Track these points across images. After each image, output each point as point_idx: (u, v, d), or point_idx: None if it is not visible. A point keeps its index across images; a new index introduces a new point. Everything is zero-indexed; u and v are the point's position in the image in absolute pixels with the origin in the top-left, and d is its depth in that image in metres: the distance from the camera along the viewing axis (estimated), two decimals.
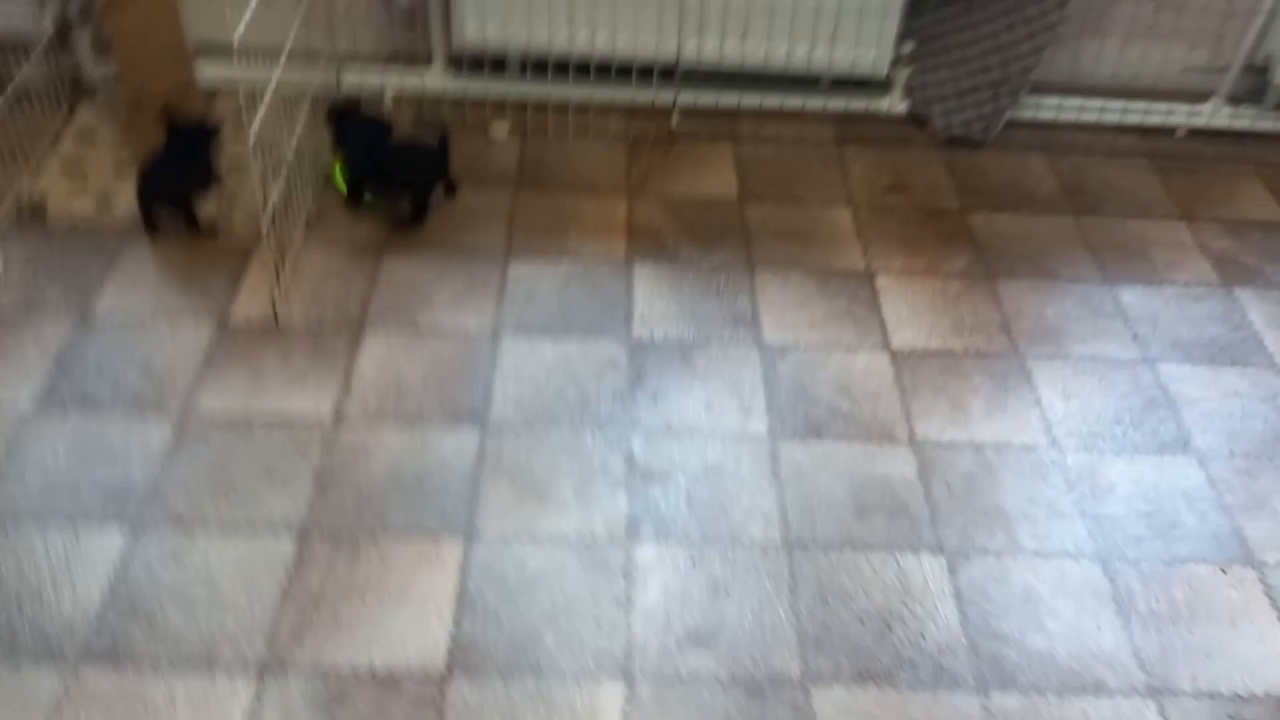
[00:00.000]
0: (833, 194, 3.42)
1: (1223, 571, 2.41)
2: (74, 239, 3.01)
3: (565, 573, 2.30)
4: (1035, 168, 3.60)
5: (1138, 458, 2.66)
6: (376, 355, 2.76)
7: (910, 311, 3.02)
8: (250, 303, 2.86)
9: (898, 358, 2.88)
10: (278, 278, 2.88)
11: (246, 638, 2.13)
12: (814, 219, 3.33)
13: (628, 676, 2.13)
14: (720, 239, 3.22)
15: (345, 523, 2.36)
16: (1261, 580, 2.40)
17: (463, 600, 2.23)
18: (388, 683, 2.08)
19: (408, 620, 2.19)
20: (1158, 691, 2.19)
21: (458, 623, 2.19)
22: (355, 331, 2.82)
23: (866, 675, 2.17)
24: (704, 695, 2.11)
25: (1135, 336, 2.99)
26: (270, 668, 2.09)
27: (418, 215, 3.17)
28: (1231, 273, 3.22)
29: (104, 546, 2.26)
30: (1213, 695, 2.18)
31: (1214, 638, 2.28)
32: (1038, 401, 2.79)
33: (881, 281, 3.11)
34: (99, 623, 2.13)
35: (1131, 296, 3.12)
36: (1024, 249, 3.26)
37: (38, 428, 2.50)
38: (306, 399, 2.62)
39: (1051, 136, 3.71)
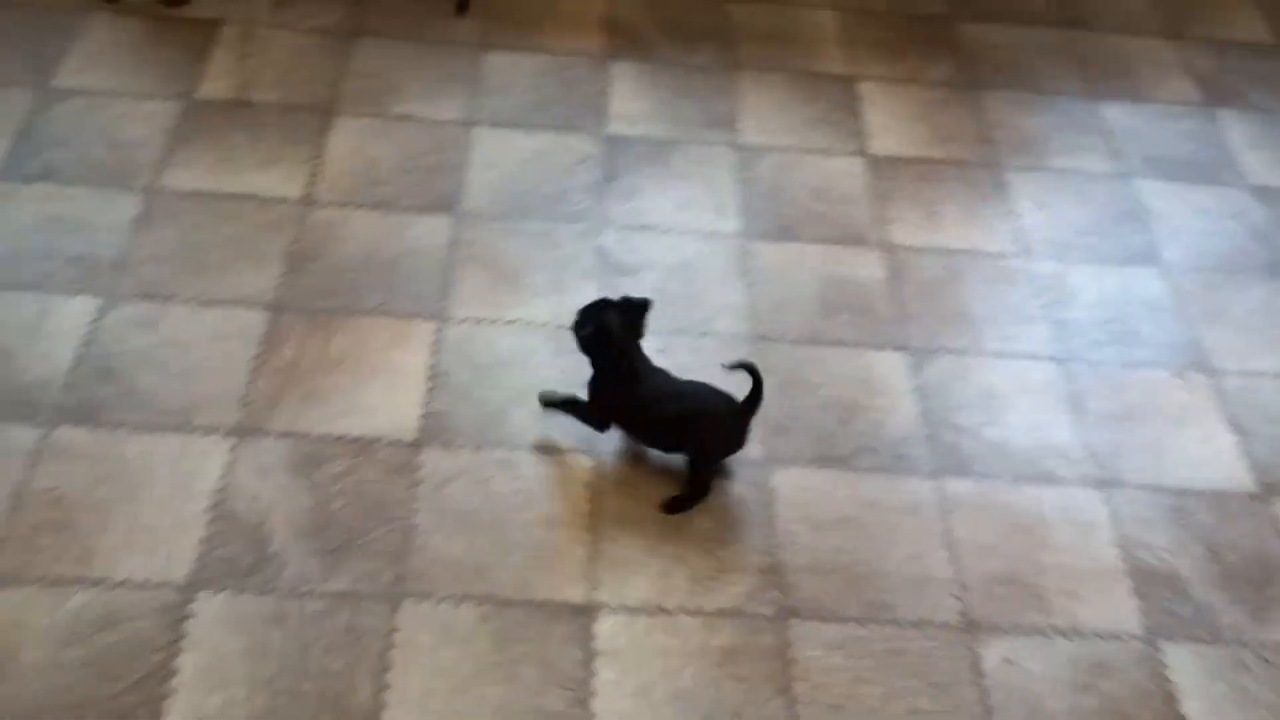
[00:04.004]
0: None
1: (1178, 377, 2.48)
2: (32, 10, 2.89)
3: (535, 355, 2.33)
4: None
5: (1105, 268, 2.69)
6: (348, 140, 2.71)
7: (890, 118, 2.99)
8: (218, 81, 2.79)
9: (874, 164, 2.87)
10: (246, 56, 2.80)
11: (221, 402, 2.16)
12: (799, 21, 3.25)
13: (592, 452, 2.18)
14: (702, 39, 3.15)
15: (318, 301, 2.36)
16: (1214, 386, 2.47)
17: (434, 377, 2.26)
18: (363, 448, 2.13)
19: (381, 393, 2.22)
20: (1105, 483, 2.27)
21: (429, 397, 2.23)
22: (325, 115, 2.76)
23: (826, 459, 2.24)
24: (668, 472, 2.17)
25: (1114, 152, 2.98)
26: (246, 430, 2.12)
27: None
28: (1215, 93, 3.19)
29: (74, 313, 2.26)
30: (1157, 488, 2.27)
31: (1163, 436, 2.36)
32: (1011, 211, 2.80)
33: (863, 88, 3.07)
34: (72, 384, 2.15)
35: (1114, 112, 3.09)
36: (1009, 60, 3.21)
37: (1, 199, 2.45)
38: (277, 179, 2.59)
39: None
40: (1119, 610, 2.08)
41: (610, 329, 2.04)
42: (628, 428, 2.16)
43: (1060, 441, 2.33)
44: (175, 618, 1.87)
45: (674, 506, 2.12)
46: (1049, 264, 2.68)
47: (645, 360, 2.12)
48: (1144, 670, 1.99)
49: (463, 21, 3.06)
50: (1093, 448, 2.33)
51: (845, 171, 2.84)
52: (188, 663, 1.82)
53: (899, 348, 2.47)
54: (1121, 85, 3.18)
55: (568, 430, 2.18)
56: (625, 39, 3.10)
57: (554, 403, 2.19)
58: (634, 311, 2.08)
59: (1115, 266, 2.69)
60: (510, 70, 2.96)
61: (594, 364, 2.11)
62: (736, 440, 2.12)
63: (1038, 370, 2.46)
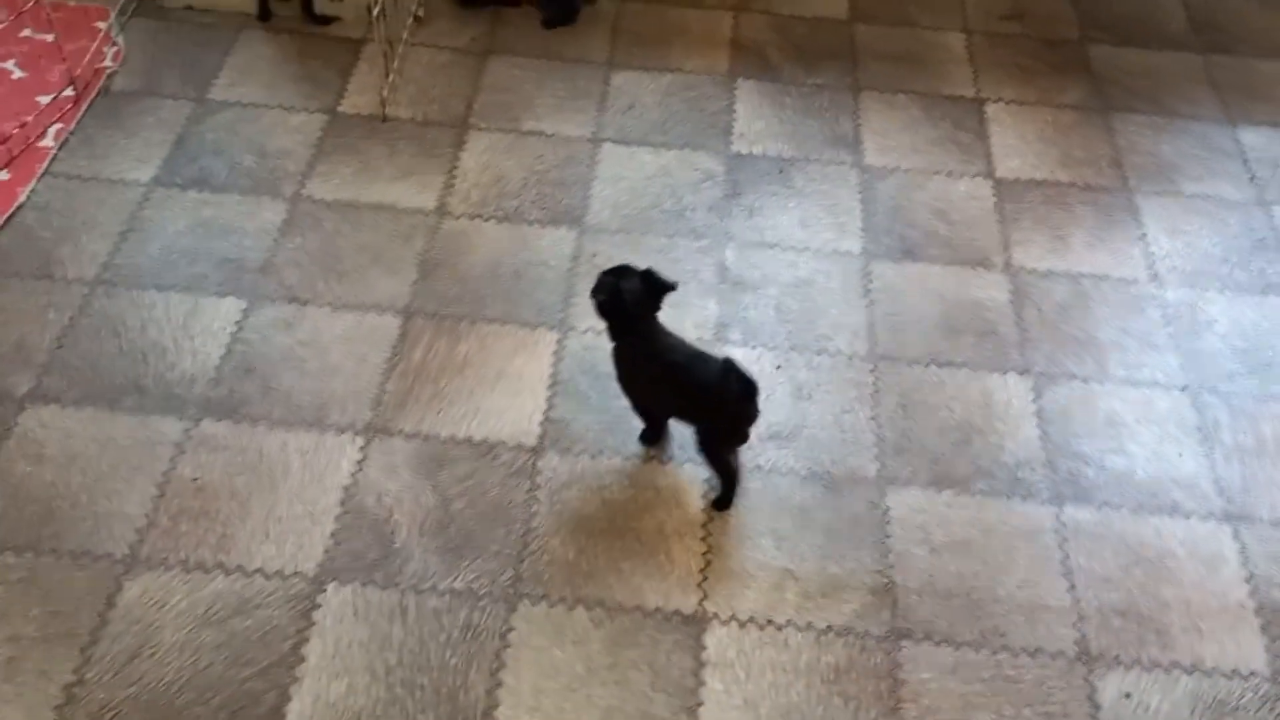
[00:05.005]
0: (947, 18, 3.31)
1: None
2: (190, 27, 3.07)
3: None
4: (1166, 2, 3.42)
5: (1241, 297, 2.61)
6: (479, 154, 2.80)
7: (1018, 141, 2.95)
8: (359, 96, 2.92)
9: (1001, 186, 2.84)
10: (386, 74, 2.92)
11: (354, 401, 2.25)
12: (925, 43, 3.24)
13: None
14: (827, 59, 3.16)
15: (447, 307, 2.45)
16: None
17: (555, 385, 2.32)
18: (485, 451, 2.20)
19: (504, 398, 2.29)
20: (1235, 518, 2.20)
21: (550, 404, 2.29)
22: (459, 130, 2.86)
23: (943, 480, 2.22)
24: (782, 486, 2.19)
25: (1252, 179, 2.89)
26: (376, 429, 2.21)
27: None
28: None
29: (222, 313, 2.39)
30: None
31: None
32: (1142, 237, 2.73)
33: (991, 109, 3.04)
34: (217, 380, 2.27)
35: (1254, 138, 3.00)
36: (1144, 84, 3.14)
37: (158, 202, 2.61)
38: (412, 190, 2.69)
39: None
40: (1245, 649, 2.01)
41: (624, 294, 2.04)
42: (646, 399, 2.18)
43: (1187, 473, 2.27)
44: (305, 607, 1.96)
45: (720, 504, 2.16)
46: (1180, 291, 2.62)
47: (664, 332, 2.10)
48: (1267, 711, 1.92)
49: (593, 41, 3.14)
50: (1222, 481, 2.26)
51: (970, 193, 2.81)
52: (314, 651, 1.91)
53: (1021, 372, 2.43)
54: (1263, 110, 3.08)
55: (684, 443, 2.21)
56: (751, 59, 3.14)
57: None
58: (655, 286, 2.07)
59: (1252, 296, 2.61)
60: (637, 88, 3.02)
61: (610, 333, 2.11)
62: (740, 422, 2.11)
63: (1165, 399, 2.40)
